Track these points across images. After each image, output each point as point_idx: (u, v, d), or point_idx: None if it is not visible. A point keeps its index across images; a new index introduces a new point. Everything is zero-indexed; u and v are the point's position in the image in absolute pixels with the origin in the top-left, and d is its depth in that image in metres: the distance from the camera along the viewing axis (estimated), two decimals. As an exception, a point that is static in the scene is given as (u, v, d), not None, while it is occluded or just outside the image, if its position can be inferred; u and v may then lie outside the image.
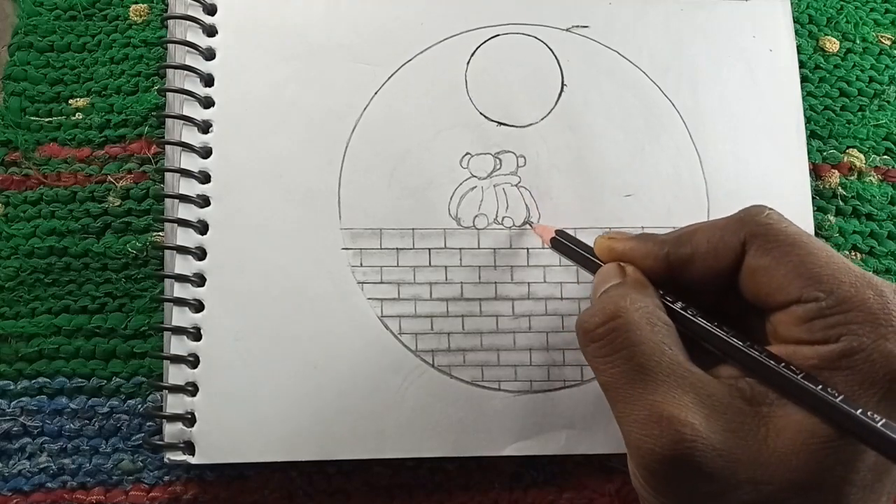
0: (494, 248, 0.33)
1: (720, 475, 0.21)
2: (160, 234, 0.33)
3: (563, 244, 0.30)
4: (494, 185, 0.34)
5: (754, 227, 0.23)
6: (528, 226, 0.33)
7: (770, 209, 0.24)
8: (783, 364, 0.21)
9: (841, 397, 0.20)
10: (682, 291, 0.25)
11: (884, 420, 0.20)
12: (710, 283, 0.24)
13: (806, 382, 0.21)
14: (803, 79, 0.37)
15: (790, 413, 0.21)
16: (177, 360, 0.31)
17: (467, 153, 0.34)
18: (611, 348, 0.23)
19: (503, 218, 0.33)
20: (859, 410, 0.20)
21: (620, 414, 0.22)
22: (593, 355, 0.24)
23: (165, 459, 0.31)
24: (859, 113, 0.38)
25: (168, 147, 0.34)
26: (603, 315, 0.23)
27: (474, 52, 0.35)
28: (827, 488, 0.20)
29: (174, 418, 0.31)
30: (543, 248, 0.33)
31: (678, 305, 0.24)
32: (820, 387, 0.21)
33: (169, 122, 0.34)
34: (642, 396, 0.22)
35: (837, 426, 0.20)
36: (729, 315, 0.24)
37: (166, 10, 0.36)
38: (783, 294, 0.22)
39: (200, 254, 0.32)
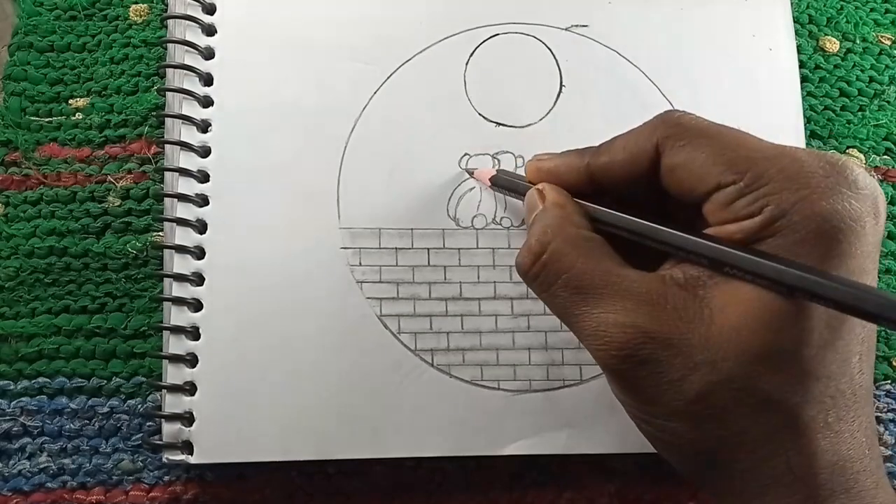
0: (493, 248, 0.33)
1: (676, 362, 0.21)
2: (160, 233, 0.34)
3: (503, 179, 0.31)
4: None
5: (666, 129, 0.24)
6: (468, 174, 0.33)
7: (684, 111, 0.24)
8: (712, 239, 0.22)
9: (776, 259, 0.20)
10: (611, 202, 0.25)
11: (821, 271, 0.20)
12: (633, 189, 0.25)
13: (735, 250, 0.21)
14: (803, 79, 0.37)
15: (728, 289, 0.21)
16: (175, 359, 0.31)
17: (466, 153, 0.34)
18: (547, 282, 0.24)
19: (502, 218, 0.33)
20: (791, 267, 0.20)
21: (576, 333, 0.24)
22: (537, 291, 0.25)
23: (164, 459, 0.31)
24: (859, 113, 0.38)
25: (167, 146, 0.34)
26: (531, 254, 0.24)
27: (473, 51, 0.35)
28: (784, 353, 0.21)
29: (172, 418, 0.31)
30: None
31: (600, 208, 0.25)
32: (748, 253, 0.21)
33: (168, 121, 0.34)
34: (587, 313, 0.23)
35: (784, 288, 0.20)
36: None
37: (166, 10, 0.36)
38: (703, 185, 0.22)
39: (199, 253, 0.32)
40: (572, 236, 0.24)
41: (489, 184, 0.32)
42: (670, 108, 0.35)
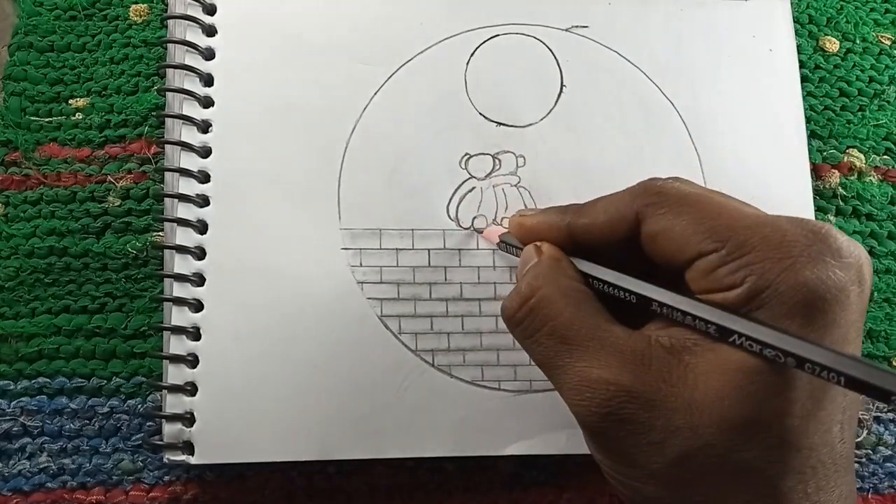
0: (493, 249, 0.33)
1: (657, 424, 0.21)
2: (160, 233, 0.34)
3: (506, 245, 0.31)
4: (493, 186, 0.34)
5: (647, 198, 0.23)
6: (474, 232, 0.33)
7: (668, 179, 0.24)
8: (697, 300, 0.22)
9: (771, 325, 0.20)
10: (595, 259, 0.25)
11: (809, 337, 0.20)
12: (613, 252, 0.25)
13: (725, 313, 0.21)
14: (803, 79, 0.37)
15: (714, 357, 0.21)
16: (176, 359, 0.31)
17: (466, 154, 0.34)
18: (532, 328, 0.24)
19: (502, 219, 0.33)
20: (787, 333, 0.20)
21: (557, 385, 0.23)
22: (520, 338, 0.25)
23: (165, 459, 0.31)
24: (859, 113, 0.38)
25: (168, 147, 0.34)
26: (519, 298, 0.24)
27: (474, 52, 0.35)
28: (766, 422, 0.20)
29: (173, 418, 0.31)
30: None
31: (589, 267, 0.25)
32: (744, 317, 0.21)
33: (169, 121, 0.34)
34: (571, 365, 0.23)
35: (767, 353, 0.20)
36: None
37: (166, 10, 0.36)
38: (684, 253, 0.22)
39: (200, 253, 0.32)
40: (563, 286, 0.24)
41: (496, 242, 0.31)
42: (671, 107, 0.35)
